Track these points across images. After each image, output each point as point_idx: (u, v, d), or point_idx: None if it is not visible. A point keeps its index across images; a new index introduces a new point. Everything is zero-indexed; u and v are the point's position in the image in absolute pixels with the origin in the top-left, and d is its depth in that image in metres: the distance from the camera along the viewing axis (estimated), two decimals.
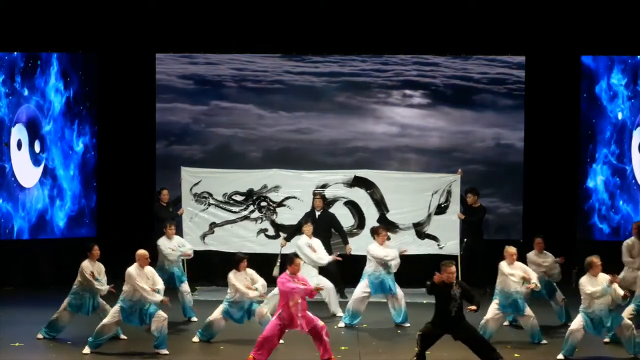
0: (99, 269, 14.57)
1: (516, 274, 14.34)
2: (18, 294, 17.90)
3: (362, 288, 15.66)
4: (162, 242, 16.10)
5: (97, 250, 14.64)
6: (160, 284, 14.03)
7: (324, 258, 16.14)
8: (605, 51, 18.60)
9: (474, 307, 12.74)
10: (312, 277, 15.32)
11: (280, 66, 18.82)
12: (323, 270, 16.50)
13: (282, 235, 17.53)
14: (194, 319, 15.91)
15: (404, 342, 14.58)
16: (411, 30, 18.58)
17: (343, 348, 14.01)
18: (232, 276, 14.28)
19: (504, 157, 18.82)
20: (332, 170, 18.22)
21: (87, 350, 13.76)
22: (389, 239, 16.00)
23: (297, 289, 13.09)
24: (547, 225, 18.49)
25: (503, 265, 14.36)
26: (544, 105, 18.88)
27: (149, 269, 14.03)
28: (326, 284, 15.96)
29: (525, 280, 14.36)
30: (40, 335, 14.58)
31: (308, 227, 16.34)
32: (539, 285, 14.50)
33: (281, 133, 18.89)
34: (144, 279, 13.82)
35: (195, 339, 14.52)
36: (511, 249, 14.42)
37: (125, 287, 13.81)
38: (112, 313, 13.93)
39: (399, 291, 15.70)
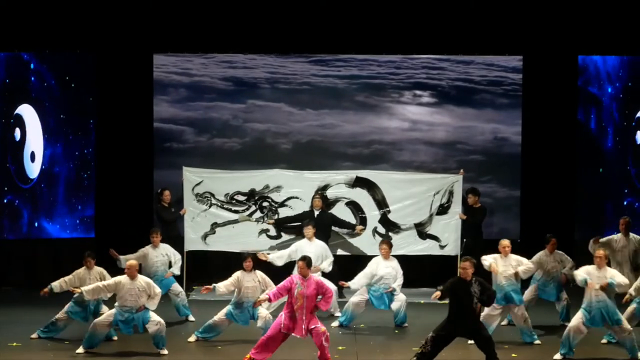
0: (97, 275, 14.57)
1: (508, 268, 14.38)
2: (18, 294, 17.90)
3: (362, 293, 15.60)
4: (148, 251, 15.99)
5: (89, 259, 14.63)
6: (157, 289, 13.89)
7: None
8: (603, 50, 19.31)
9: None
10: None
11: (307, 70, 19.97)
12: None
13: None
14: (192, 318, 15.86)
15: (402, 342, 14.58)
16: (415, 33, 19.51)
17: (340, 348, 14.00)
18: (237, 274, 14.21)
19: (501, 149, 20.01)
20: (335, 170, 18.66)
21: (80, 349, 13.73)
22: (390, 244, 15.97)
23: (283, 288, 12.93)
24: (545, 214, 19.26)
25: (497, 258, 14.50)
26: (541, 101, 19.61)
27: (142, 279, 13.83)
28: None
29: (516, 276, 14.38)
30: (34, 335, 14.57)
31: (308, 230, 16.43)
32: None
33: (308, 128, 20.11)
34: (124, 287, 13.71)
35: (192, 338, 14.46)
36: (503, 242, 14.60)
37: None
38: (107, 315, 13.88)
39: (399, 296, 15.60)
